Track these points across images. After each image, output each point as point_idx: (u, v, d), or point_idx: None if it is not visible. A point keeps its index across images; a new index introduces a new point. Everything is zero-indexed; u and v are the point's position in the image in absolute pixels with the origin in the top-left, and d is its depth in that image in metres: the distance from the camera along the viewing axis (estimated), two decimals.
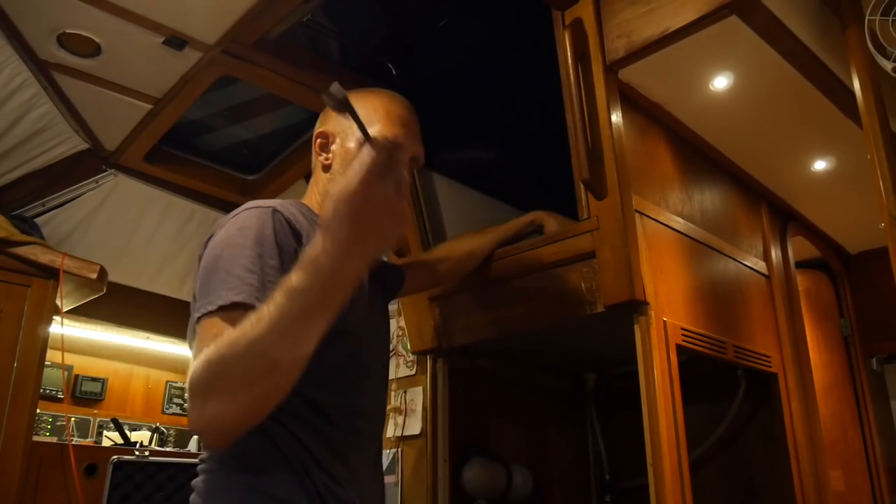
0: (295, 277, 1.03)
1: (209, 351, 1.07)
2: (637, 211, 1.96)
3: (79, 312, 3.01)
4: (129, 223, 3.10)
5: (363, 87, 1.62)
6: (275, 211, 1.33)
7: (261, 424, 1.27)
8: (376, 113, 1.51)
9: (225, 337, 1.06)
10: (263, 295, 1.19)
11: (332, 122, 1.56)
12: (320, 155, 1.56)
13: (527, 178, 2.99)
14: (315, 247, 1.03)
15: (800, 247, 2.96)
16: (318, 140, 1.56)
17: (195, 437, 4.01)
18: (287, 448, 1.28)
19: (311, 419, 1.32)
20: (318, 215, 1.49)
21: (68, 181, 2.86)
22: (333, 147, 1.54)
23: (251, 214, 1.32)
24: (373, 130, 1.48)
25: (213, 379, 1.06)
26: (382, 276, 1.71)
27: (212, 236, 1.34)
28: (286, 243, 1.31)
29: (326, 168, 1.54)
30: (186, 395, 1.12)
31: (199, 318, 1.21)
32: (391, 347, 2.63)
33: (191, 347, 1.38)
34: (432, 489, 2.35)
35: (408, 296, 2.32)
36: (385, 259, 2.38)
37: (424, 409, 2.46)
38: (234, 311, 1.17)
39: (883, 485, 3.04)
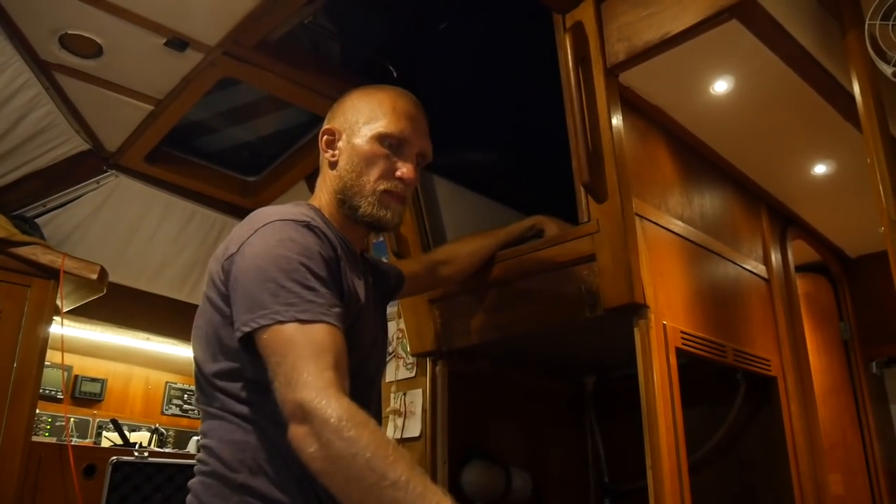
0: None
1: (336, 418, 1.07)
2: (637, 214, 1.96)
3: (79, 313, 3.01)
4: (130, 224, 3.10)
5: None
6: (308, 225, 1.32)
7: (262, 428, 1.28)
8: (382, 107, 1.50)
9: (371, 449, 1.05)
10: (328, 309, 1.21)
11: (338, 119, 1.54)
12: (326, 152, 1.53)
13: (527, 181, 2.99)
14: None
15: (799, 250, 2.96)
16: (325, 137, 1.54)
17: (194, 438, 4.00)
18: (287, 452, 1.22)
19: None
20: (329, 219, 1.49)
21: (69, 182, 2.86)
22: (340, 143, 1.51)
23: (287, 227, 1.30)
24: (379, 124, 1.48)
25: (322, 447, 1.08)
26: (383, 279, 1.71)
27: (241, 246, 1.30)
28: (329, 258, 1.31)
29: (333, 165, 1.51)
30: (286, 391, 1.13)
31: (253, 331, 1.20)
32: (391, 350, 2.63)
33: (197, 350, 1.38)
34: None
35: (407, 297, 2.33)
36: (385, 260, 2.38)
37: (424, 411, 2.46)
38: (304, 325, 1.18)
39: (882, 488, 3.04)
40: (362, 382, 1.41)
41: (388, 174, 1.47)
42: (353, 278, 1.41)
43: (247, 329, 1.21)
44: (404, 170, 1.48)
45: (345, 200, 1.48)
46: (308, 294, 1.21)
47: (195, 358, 1.39)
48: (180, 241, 3.25)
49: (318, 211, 1.47)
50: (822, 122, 2.24)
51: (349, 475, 1.05)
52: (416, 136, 1.51)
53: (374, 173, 1.46)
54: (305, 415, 1.10)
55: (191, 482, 1.33)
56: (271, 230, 1.30)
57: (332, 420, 1.07)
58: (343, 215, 1.49)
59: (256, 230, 1.31)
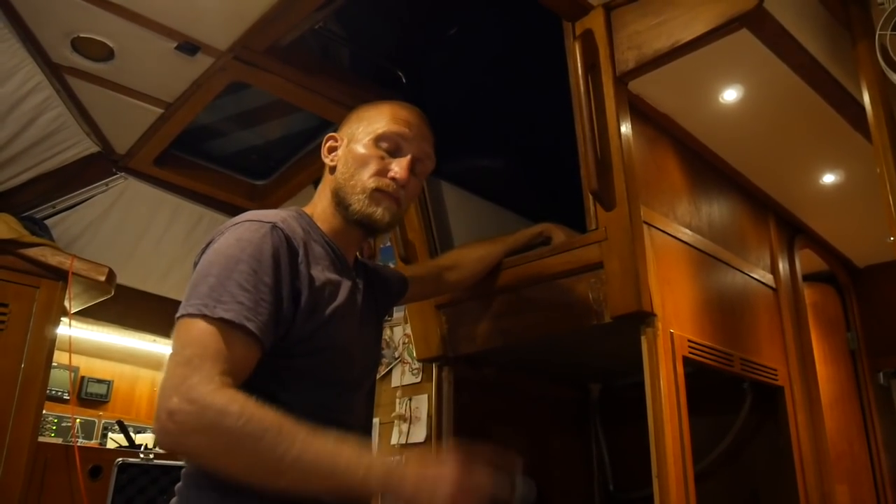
0: (347, 459, 1.14)
1: (221, 406, 1.10)
2: (645, 222, 1.96)
3: (86, 314, 3.02)
4: (139, 226, 3.11)
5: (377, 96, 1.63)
6: (274, 227, 1.33)
7: None
8: (381, 114, 1.54)
9: (247, 416, 1.10)
10: (254, 315, 1.22)
11: (343, 128, 1.59)
12: (327, 157, 1.58)
13: (535, 188, 2.99)
14: (383, 475, 1.17)
15: (807, 260, 2.96)
16: (328, 143, 1.59)
17: None
18: None
19: None
20: (320, 225, 1.50)
21: (79, 184, 2.87)
22: (340, 150, 1.56)
23: (250, 227, 1.33)
24: (376, 127, 1.51)
25: (207, 434, 1.10)
26: (381, 284, 1.71)
27: (210, 243, 1.35)
28: (283, 261, 1.31)
29: (332, 169, 1.56)
30: (160, 396, 1.13)
31: (179, 317, 1.22)
32: (397, 355, 2.63)
33: None
34: None
35: (413, 303, 2.33)
36: (391, 265, 2.39)
37: (429, 416, 2.46)
38: (221, 325, 1.19)
39: (889, 499, 3.02)
40: (344, 384, 1.42)
41: (381, 173, 1.49)
42: (330, 281, 1.41)
43: (179, 314, 1.23)
44: (397, 168, 1.49)
45: (339, 201, 1.51)
46: (241, 295, 1.22)
47: None
48: (188, 243, 3.25)
49: (302, 215, 1.49)
50: (831, 131, 2.24)
51: (235, 444, 1.10)
52: (414, 139, 1.53)
53: (366, 172, 1.49)
54: (193, 407, 1.10)
55: (177, 486, 1.34)
56: (234, 231, 1.33)
57: (217, 405, 1.10)
58: (339, 219, 1.52)
59: (224, 231, 1.35)
